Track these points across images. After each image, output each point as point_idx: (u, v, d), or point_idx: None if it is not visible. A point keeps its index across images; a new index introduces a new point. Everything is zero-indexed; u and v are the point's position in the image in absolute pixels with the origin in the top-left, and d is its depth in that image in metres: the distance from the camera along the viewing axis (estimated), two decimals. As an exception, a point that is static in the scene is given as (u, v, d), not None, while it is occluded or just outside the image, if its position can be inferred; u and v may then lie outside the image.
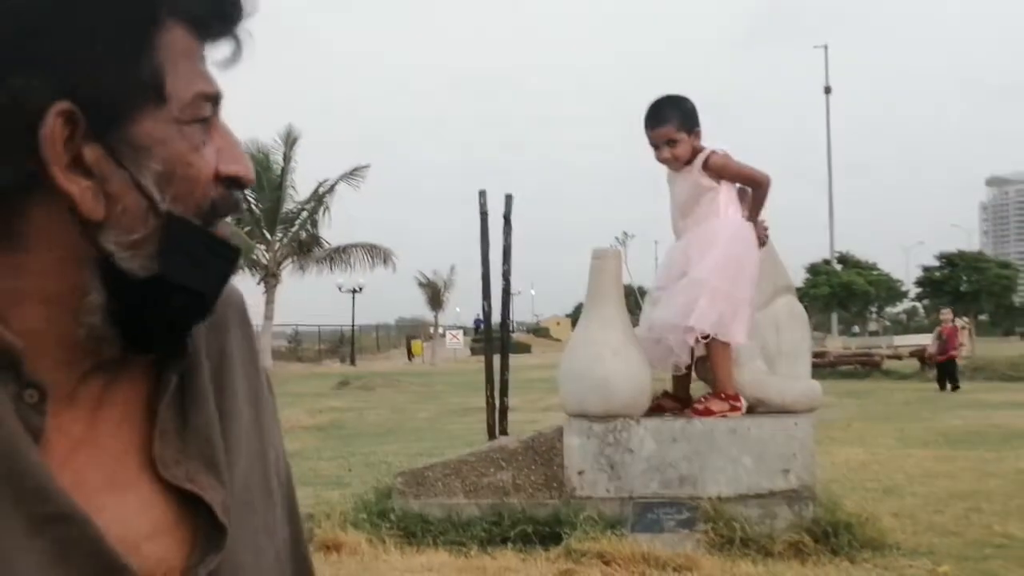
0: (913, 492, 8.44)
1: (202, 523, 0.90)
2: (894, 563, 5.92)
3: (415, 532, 6.25)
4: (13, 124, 0.80)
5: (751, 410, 6.54)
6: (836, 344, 50.81)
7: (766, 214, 6.67)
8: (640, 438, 6.30)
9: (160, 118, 0.85)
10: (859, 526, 6.21)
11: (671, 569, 5.65)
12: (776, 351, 6.66)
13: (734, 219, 6.43)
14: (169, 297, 0.87)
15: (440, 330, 66.37)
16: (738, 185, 6.59)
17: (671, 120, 6.52)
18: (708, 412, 6.40)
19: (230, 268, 0.91)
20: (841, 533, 6.07)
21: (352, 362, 55.78)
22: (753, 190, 6.57)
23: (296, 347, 64.18)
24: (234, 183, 0.89)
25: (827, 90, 67.78)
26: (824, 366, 34.04)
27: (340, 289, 58.68)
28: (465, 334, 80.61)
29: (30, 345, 0.83)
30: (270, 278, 44.72)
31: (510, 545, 6.02)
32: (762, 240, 6.60)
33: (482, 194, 8.17)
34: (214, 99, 0.89)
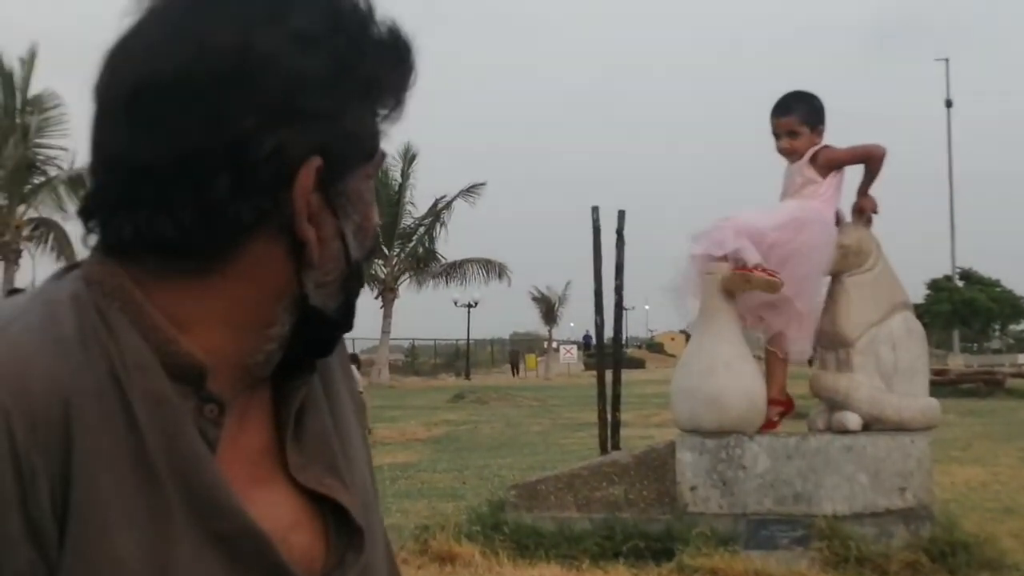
0: (1035, 513, 8.27)
1: (332, 523, 0.98)
2: (1014, 584, 5.82)
3: (528, 545, 6.30)
4: (270, 171, 0.88)
5: (867, 428, 6.48)
6: (958, 362, 49.72)
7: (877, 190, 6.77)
8: (754, 454, 6.28)
9: (362, 175, 0.96)
10: (977, 546, 6.12)
11: (784, 587, 5.63)
12: (893, 368, 6.58)
13: (817, 206, 6.46)
14: (330, 327, 0.98)
15: (554, 344, 66.32)
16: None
17: (796, 112, 6.66)
18: (770, 424, 6.52)
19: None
20: (959, 553, 5.97)
21: (467, 376, 56.06)
22: (867, 164, 6.65)
23: (413, 361, 64.79)
24: (375, 231, 1.00)
25: (948, 103, 66.47)
26: (945, 384, 33.31)
27: (456, 304, 59.06)
28: (579, 348, 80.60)
29: (211, 364, 0.91)
30: (388, 292, 45.23)
31: (622, 560, 6.04)
32: (874, 211, 6.74)
33: (595, 210, 8.23)
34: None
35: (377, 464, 7.93)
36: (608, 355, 8.89)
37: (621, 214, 8.27)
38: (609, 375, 8.49)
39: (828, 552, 5.97)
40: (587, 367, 67.06)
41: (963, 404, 25.28)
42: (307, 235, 0.90)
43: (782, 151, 6.67)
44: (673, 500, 6.37)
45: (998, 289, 63.48)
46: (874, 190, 6.74)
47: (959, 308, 57.42)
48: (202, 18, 0.88)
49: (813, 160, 6.54)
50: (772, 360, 6.73)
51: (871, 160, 6.69)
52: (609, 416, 8.30)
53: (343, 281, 0.96)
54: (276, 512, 0.94)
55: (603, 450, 8.12)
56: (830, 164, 6.57)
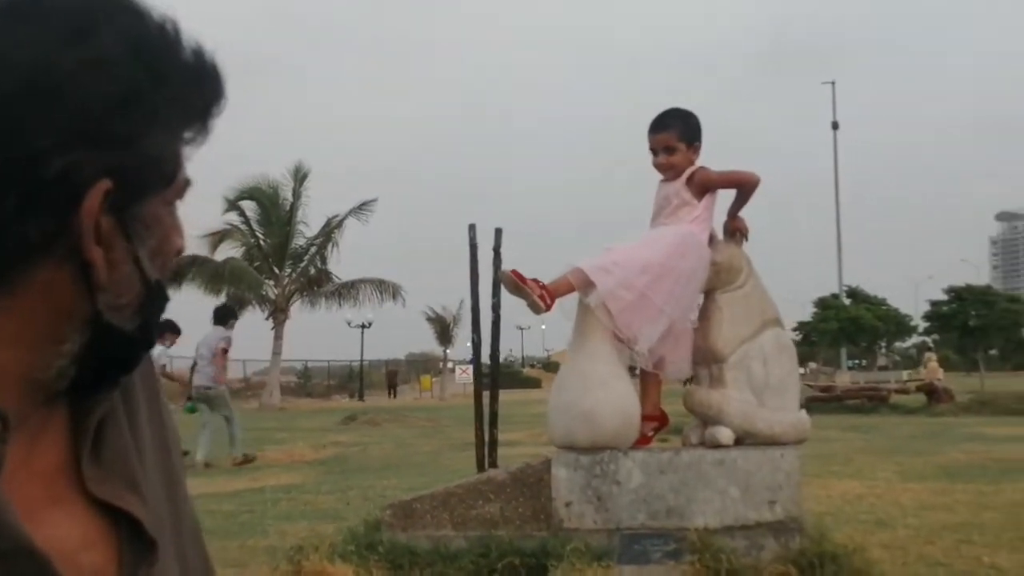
0: (906, 524, 8.45)
1: (126, 537, 0.97)
2: (879, 594, 5.94)
3: (402, 564, 6.26)
4: (58, 192, 0.88)
5: (739, 442, 6.58)
6: (845, 379, 50.72)
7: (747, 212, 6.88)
8: (628, 470, 6.32)
9: (160, 199, 0.97)
10: (846, 556, 6.21)
11: (655, 600, 5.67)
12: (764, 383, 6.68)
13: (693, 230, 6.55)
14: (129, 344, 0.98)
15: (449, 364, 66.32)
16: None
17: (673, 128, 6.71)
18: (645, 439, 6.63)
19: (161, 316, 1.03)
20: (827, 564, 6.06)
21: (361, 397, 55.78)
22: (739, 189, 6.75)
23: (305, 383, 64.30)
24: (178, 253, 1.02)
25: (835, 125, 68.16)
26: (830, 400, 34.13)
27: (349, 324, 58.80)
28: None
29: None
30: (279, 313, 44.90)
31: (497, 577, 6.04)
32: (745, 233, 6.84)
33: (471, 228, 8.25)
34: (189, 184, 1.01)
35: (260, 486, 7.86)
36: (486, 376, 8.89)
37: (498, 232, 8.30)
38: (488, 394, 8.52)
39: (699, 565, 6.02)
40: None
41: (847, 420, 25.88)
42: (93, 257, 0.90)
43: (659, 167, 6.74)
44: (549, 517, 6.38)
45: (884, 307, 64.94)
46: (750, 212, 6.87)
47: (846, 326, 58.65)
48: (1, 36, 0.87)
49: (689, 181, 6.63)
50: (646, 377, 6.79)
51: (744, 185, 6.80)
52: (487, 434, 8.32)
53: (141, 302, 0.96)
54: (67, 531, 0.93)
55: (480, 468, 8.12)
56: (705, 186, 6.66)
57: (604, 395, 6.29)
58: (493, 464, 8.22)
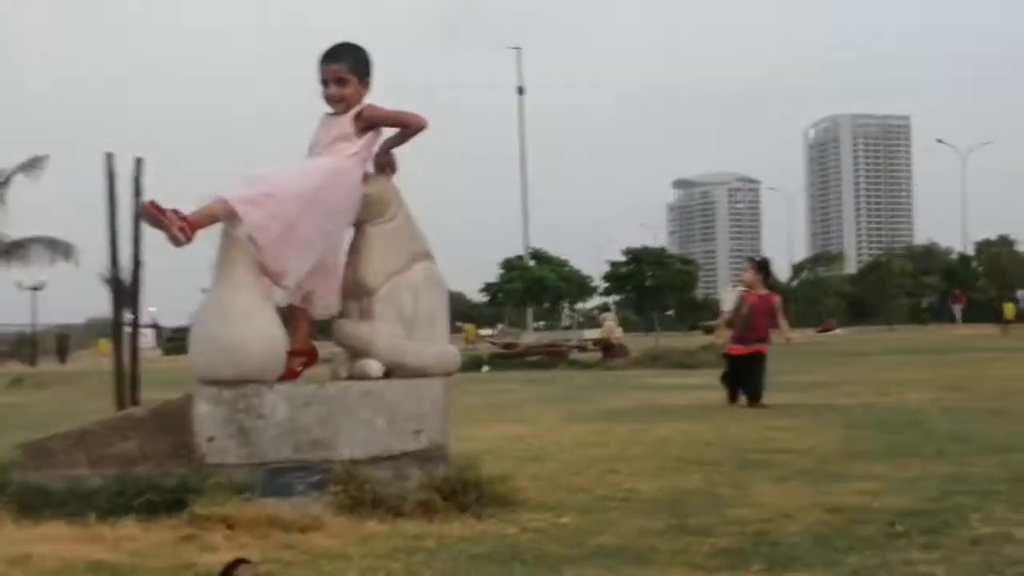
0: (559, 459, 8.69)
1: None
2: (519, 517, 6.06)
3: (33, 504, 5.95)
4: None
5: (388, 375, 6.58)
6: (531, 339, 52.21)
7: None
8: (272, 403, 6.21)
9: None
10: (489, 484, 6.33)
11: (296, 530, 5.58)
12: (413, 316, 6.71)
13: (349, 165, 6.51)
14: None
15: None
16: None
17: (345, 60, 6.65)
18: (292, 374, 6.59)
19: None
20: (470, 491, 6.16)
21: (32, 363, 53.22)
22: (404, 128, 6.74)
23: (-30, 348, 60.86)
24: None
25: (520, 91, 69.64)
26: (513, 356, 35.12)
27: (19, 286, 56.02)
28: (159, 334, 78.20)
29: None
30: (-61, 273, 42.28)
31: (134, 515, 5.82)
32: (393, 168, 6.87)
33: (108, 157, 7.89)
34: None
35: None
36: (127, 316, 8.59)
37: (138, 161, 7.97)
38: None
39: (344, 496, 6.00)
40: (167, 352, 65.31)
41: (528, 375, 26.59)
42: None
43: (329, 99, 6.65)
44: (191, 453, 6.20)
45: (566, 268, 67.18)
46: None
47: (530, 286, 60.32)
48: None
49: (357, 117, 6.55)
50: (295, 312, 6.70)
51: (410, 126, 6.78)
52: (129, 371, 8.02)
53: None
54: None
55: (120, 406, 7.83)
56: (372, 121, 6.61)
57: (248, 327, 6.14)
58: (135, 403, 7.94)
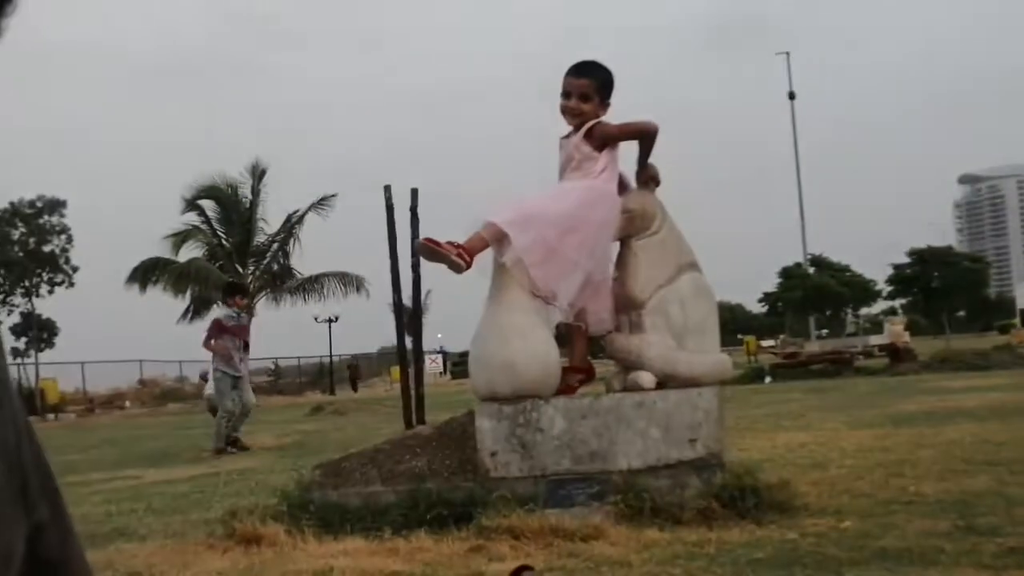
0: (841, 465, 8.57)
1: None
2: (800, 522, 6.04)
3: (333, 521, 6.36)
4: None
5: (661, 386, 6.69)
6: (814, 348, 51.12)
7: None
8: (550, 417, 6.43)
9: None
10: (767, 491, 6.34)
11: (579, 539, 5.77)
12: (683, 327, 6.80)
13: (599, 183, 6.63)
14: None
15: (420, 356, 66.18)
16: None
17: (593, 77, 6.80)
18: (570, 389, 6.72)
19: None
20: (748, 497, 6.19)
21: (331, 392, 55.68)
22: (641, 141, 6.83)
23: (276, 380, 64.13)
24: None
25: (791, 95, 68.42)
26: (796, 366, 34.46)
27: (316, 320, 58.68)
28: (446, 359, 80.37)
29: None
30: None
31: (424, 528, 6.13)
32: (656, 179, 6.96)
33: (387, 189, 8.32)
34: None
35: (215, 471, 7.85)
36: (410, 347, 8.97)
37: (414, 192, 8.37)
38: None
39: (623, 505, 6.15)
40: (454, 376, 67.18)
41: (811, 384, 26.07)
42: None
43: (567, 110, 6.79)
44: (475, 468, 6.48)
45: (848, 274, 65.49)
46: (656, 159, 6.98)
47: (810, 294, 59.08)
48: None
49: (588, 135, 6.70)
50: (571, 330, 6.89)
51: (644, 136, 6.90)
52: (413, 391, 8.40)
53: None
54: None
55: (408, 425, 8.21)
56: (604, 140, 6.73)
57: (523, 345, 6.39)
58: (421, 421, 8.32)
